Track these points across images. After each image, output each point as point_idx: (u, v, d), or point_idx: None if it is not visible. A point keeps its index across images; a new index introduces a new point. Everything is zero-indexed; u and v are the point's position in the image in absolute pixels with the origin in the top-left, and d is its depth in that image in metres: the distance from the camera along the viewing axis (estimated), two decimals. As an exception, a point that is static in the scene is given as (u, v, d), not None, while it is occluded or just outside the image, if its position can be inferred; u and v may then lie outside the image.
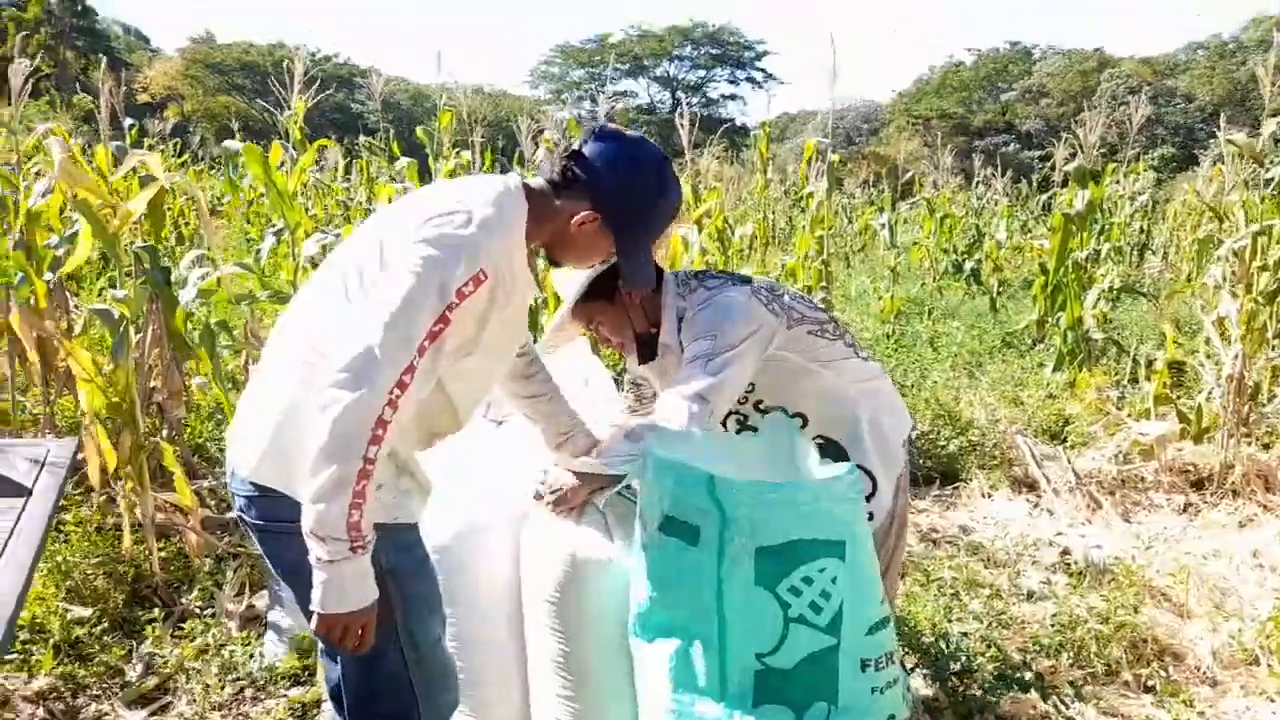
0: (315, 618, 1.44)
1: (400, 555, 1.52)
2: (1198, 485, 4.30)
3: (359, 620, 1.45)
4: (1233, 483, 4.20)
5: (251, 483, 1.54)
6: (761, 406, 2.21)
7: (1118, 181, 8.89)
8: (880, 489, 2.21)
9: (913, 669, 2.73)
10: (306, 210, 6.21)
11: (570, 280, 2.11)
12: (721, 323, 1.98)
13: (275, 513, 1.53)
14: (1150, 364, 5.15)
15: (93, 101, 3.69)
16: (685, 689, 1.77)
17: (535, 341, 2.10)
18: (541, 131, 6.78)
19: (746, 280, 2.13)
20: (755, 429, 2.23)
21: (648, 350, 2.16)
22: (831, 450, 2.19)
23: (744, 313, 2.00)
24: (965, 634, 2.88)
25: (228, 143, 3.63)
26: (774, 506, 1.78)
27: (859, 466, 2.19)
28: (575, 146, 1.66)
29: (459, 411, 1.67)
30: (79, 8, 40.13)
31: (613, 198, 1.63)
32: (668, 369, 2.15)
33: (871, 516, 2.20)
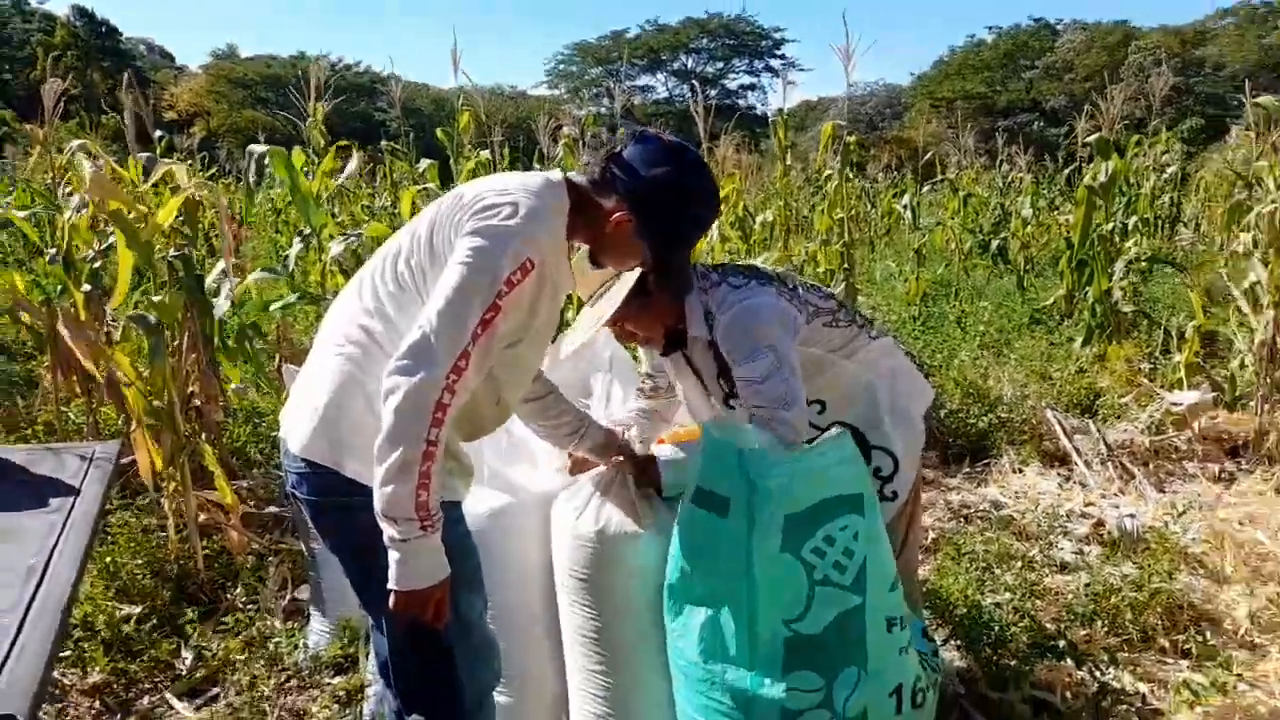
0: (392, 595, 1.51)
1: (444, 531, 1.57)
2: (1233, 453, 4.26)
3: (435, 594, 1.53)
4: (1268, 449, 4.15)
5: (303, 459, 1.62)
6: None
7: (1141, 154, 8.75)
8: (902, 468, 2.22)
9: (945, 641, 2.74)
10: (333, 216, 6.31)
11: (593, 282, 2.14)
12: (765, 330, 1.97)
13: (325, 487, 1.61)
14: (1181, 334, 5.10)
15: (119, 119, 3.79)
16: (716, 659, 1.81)
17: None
18: (560, 128, 6.83)
19: (767, 278, 2.13)
20: None
21: (673, 343, 2.18)
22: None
23: (775, 312, 2.01)
24: (998, 605, 2.88)
25: (253, 146, 3.71)
26: (799, 474, 1.82)
27: (880, 448, 2.20)
28: (617, 149, 1.68)
29: (506, 402, 1.74)
30: (103, 29, 40.90)
31: (646, 201, 1.65)
32: (693, 360, 2.18)
33: (895, 495, 2.21)
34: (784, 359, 1.95)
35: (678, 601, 1.88)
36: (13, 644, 1.36)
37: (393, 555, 1.49)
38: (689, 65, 50.00)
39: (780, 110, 6.83)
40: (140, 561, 3.08)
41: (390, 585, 1.51)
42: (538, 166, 7.47)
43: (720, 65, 50.39)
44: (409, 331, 1.48)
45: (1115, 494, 3.90)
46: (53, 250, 3.69)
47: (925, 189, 11.94)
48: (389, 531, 1.47)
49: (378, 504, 1.46)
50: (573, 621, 2.09)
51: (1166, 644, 2.77)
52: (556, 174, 1.69)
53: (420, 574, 1.50)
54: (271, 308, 3.75)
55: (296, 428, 1.64)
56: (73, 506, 1.93)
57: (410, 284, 1.60)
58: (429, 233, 1.60)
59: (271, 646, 2.77)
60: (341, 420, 1.58)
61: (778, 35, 48.84)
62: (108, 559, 3.03)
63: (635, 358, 2.78)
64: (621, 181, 1.65)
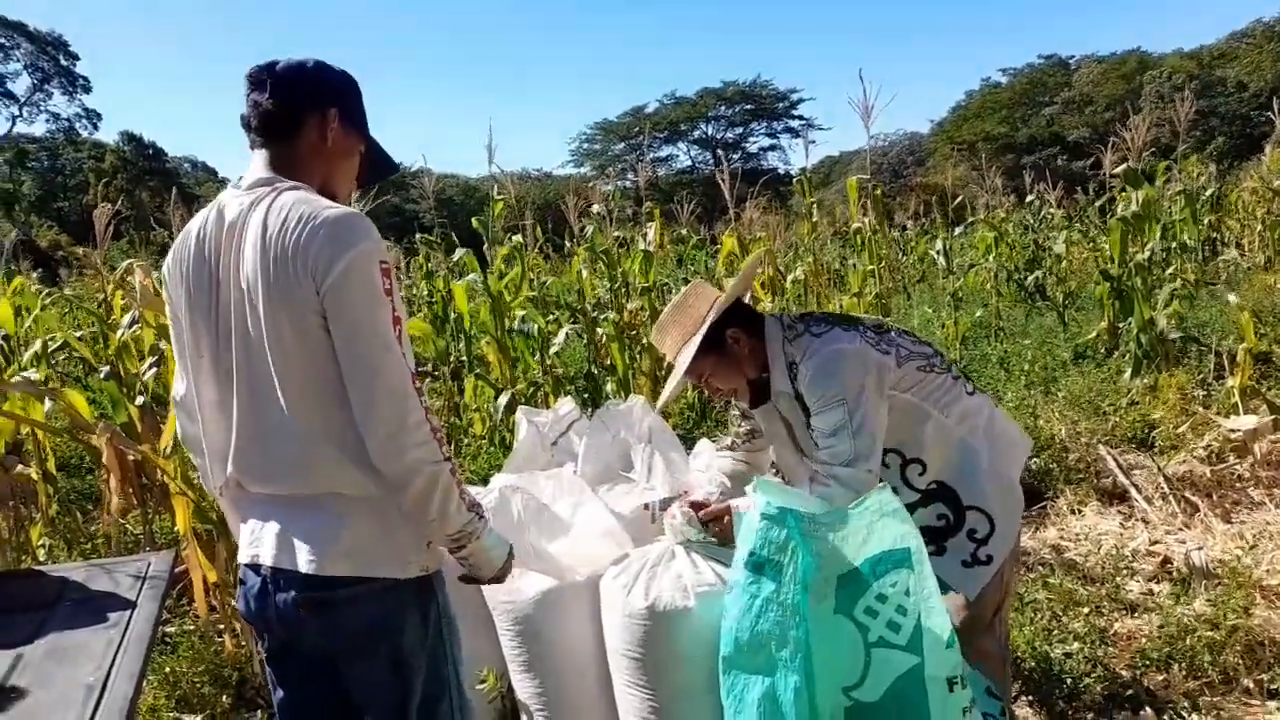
0: (492, 583, 1.66)
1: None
2: (1299, 476, 4.11)
3: (510, 563, 1.66)
4: (1337, 470, 4.00)
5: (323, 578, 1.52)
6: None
7: (1169, 180, 8.68)
8: (999, 528, 2.12)
9: (1016, 697, 2.64)
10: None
11: (675, 345, 2.18)
12: (842, 380, 1.97)
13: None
14: (1233, 358, 4.97)
15: (167, 235, 3.94)
16: (775, 734, 1.76)
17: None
18: (590, 206, 6.98)
19: (852, 322, 2.12)
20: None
21: (761, 394, 2.19)
22: (943, 494, 2.15)
23: (857, 360, 1.99)
24: (1068, 655, 2.79)
25: None
26: (848, 532, 1.81)
27: (975, 508, 2.13)
28: (260, 106, 1.57)
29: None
30: (150, 151, 42.85)
31: (328, 92, 1.62)
32: (781, 412, 2.18)
33: (990, 559, 2.13)
34: (855, 413, 1.95)
35: (733, 674, 1.84)
36: (74, 765, 1.38)
37: (476, 559, 1.57)
38: (710, 133, 50.81)
39: (803, 169, 6.93)
40: (199, 670, 3.10)
41: (486, 577, 1.61)
42: (568, 244, 7.63)
43: (740, 130, 51.12)
44: (362, 410, 1.42)
45: (1180, 528, 3.77)
46: (106, 367, 3.83)
47: (957, 231, 11.91)
48: (463, 554, 1.55)
49: (444, 533, 1.50)
50: (629, 703, 2.06)
51: (1251, 684, 2.65)
52: (272, 176, 1.56)
53: (496, 556, 1.60)
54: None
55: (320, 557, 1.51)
56: (129, 621, 1.97)
57: (314, 380, 1.46)
58: (272, 336, 1.44)
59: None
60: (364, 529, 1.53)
61: (794, 96, 49.50)
62: (168, 668, 3.06)
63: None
64: (297, 108, 1.58)
